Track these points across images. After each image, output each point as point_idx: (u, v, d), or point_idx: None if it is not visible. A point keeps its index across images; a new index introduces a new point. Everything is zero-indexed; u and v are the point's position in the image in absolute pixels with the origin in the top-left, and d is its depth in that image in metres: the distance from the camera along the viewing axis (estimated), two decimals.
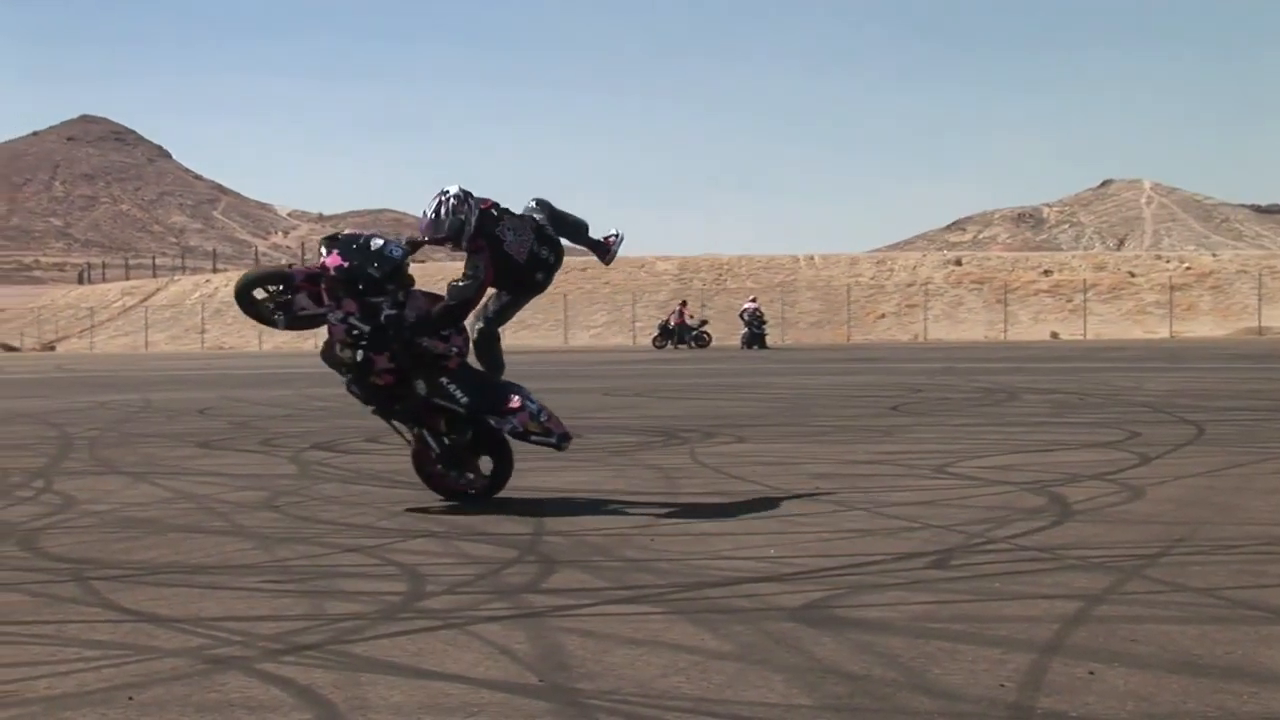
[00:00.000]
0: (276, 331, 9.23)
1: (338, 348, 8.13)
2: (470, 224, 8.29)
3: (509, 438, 8.34)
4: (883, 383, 22.99)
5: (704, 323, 55.77)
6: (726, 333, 57.52)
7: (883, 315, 70.02)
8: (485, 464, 8.46)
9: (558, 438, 8.28)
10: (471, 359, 8.50)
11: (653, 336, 56.19)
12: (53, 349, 78.79)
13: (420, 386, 8.20)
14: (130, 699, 4.10)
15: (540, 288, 8.77)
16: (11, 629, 5.12)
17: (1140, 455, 10.49)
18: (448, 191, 8.32)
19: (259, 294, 8.33)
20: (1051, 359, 33.60)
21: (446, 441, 8.40)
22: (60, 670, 4.46)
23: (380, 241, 8.16)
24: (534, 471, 10.17)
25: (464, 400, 8.20)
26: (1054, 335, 61.90)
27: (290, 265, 8.50)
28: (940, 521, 7.34)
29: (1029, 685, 4.10)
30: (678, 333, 54.24)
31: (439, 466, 8.49)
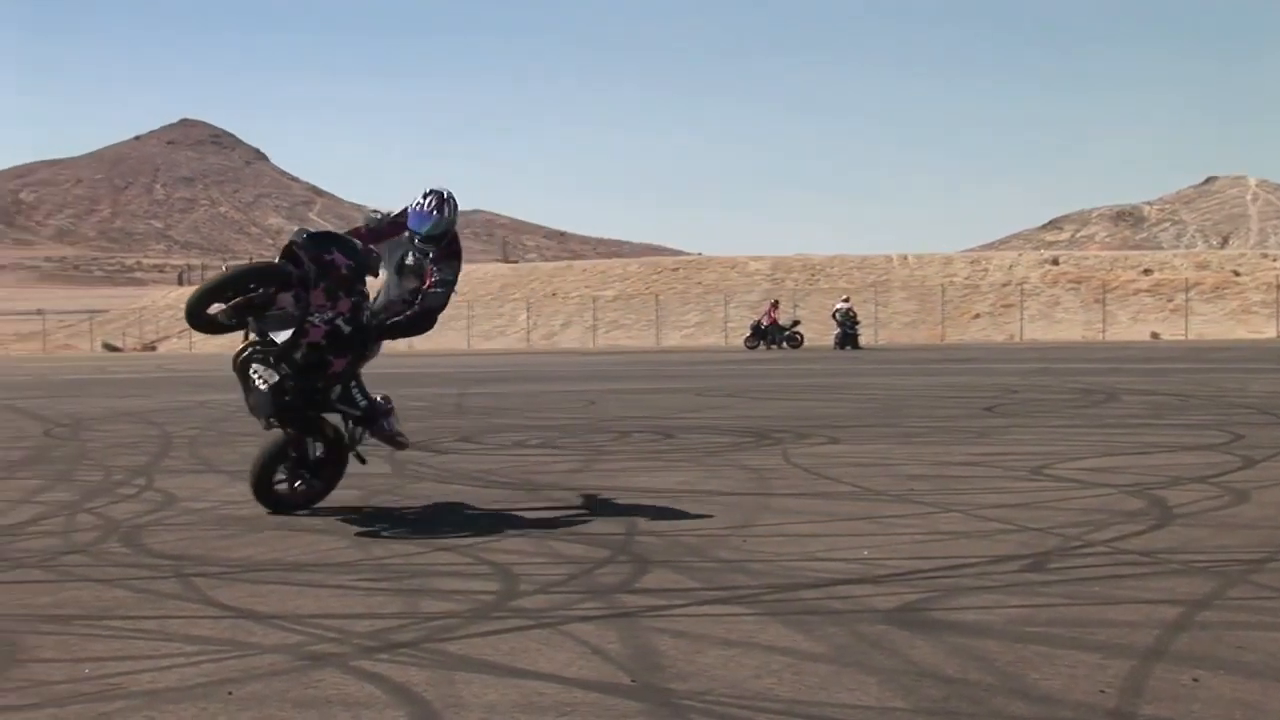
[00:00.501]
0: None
1: (301, 350, 7.79)
2: (454, 227, 8.46)
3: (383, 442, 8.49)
4: (977, 383, 22.74)
5: (796, 323, 55.49)
6: (820, 333, 57.21)
7: (977, 315, 69.25)
8: None
9: (405, 437, 8.59)
10: None
11: (745, 337, 56.01)
12: (153, 349, 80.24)
13: (336, 391, 8.11)
14: (229, 694, 4.16)
15: None
16: (115, 623, 5.22)
17: (1244, 458, 10.27)
18: (443, 192, 8.37)
19: (214, 308, 7.95)
20: (1151, 359, 33.02)
21: (319, 451, 8.28)
22: (162, 665, 4.54)
23: (357, 241, 8.13)
24: (626, 471, 10.19)
25: (364, 405, 8.21)
26: (1154, 335, 60.84)
27: (279, 262, 7.98)
28: (1037, 524, 7.24)
29: (1130, 692, 4.03)
30: (770, 333, 54.00)
31: (286, 474, 8.27)
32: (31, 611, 5.48)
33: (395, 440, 8.45)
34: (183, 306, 8.11)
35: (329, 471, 8.35)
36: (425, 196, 8.37)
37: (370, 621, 5.19)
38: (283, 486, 8.29)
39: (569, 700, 4.04)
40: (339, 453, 8.32)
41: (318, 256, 7.78)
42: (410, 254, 8.45)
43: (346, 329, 7.85)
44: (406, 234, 8.45)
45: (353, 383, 8.16)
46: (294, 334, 7.81)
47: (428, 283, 8.37)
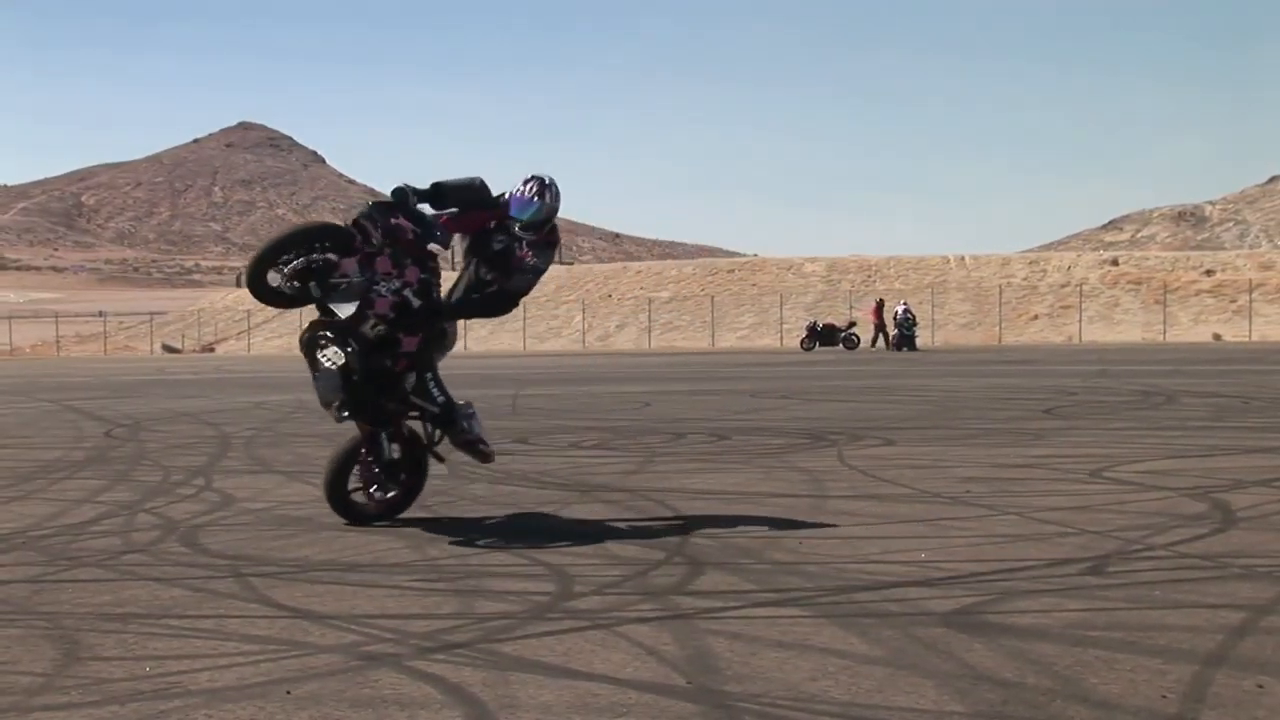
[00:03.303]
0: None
1: (370, 324, 7.38)
2: (554, 216, 8.00)
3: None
4: (1035, 385, 22.56)
5: (852, 324, 55.31)
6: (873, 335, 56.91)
7: (1035, 317, 68.73)
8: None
9: (488, 446, 7.95)
10: None
11: (800, 338, 55.85)
12: (212, 350, 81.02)
13: (410, 380, 7.64)
14: (288, 693, 4.19)
15: None
16: (175, 623, 5.26)
17: None
18: (544, 178, 7.92)
19: (272, 278, 7.47)
20: (1213, 361, 32.64)
21: (396, 451, 7.79)
22: (220, 664, 4.57)
23: (426, 210, 7.68)
24: (681, 473, 10.18)
25: (441, 400, 7.69)
26: (1216, 337, 60.12)
27: (343, 224, 7.48)
28: (1095, 527, 7.16)
29: (1192, 697, 3.98)
30: (826, 334, 53.72)
31: (361, 481, 7.79)
32: (92, 610, 5.54)
33: (477, 448, 7.86)
34: (244, 286, 7.73)
35: (409, 475, 7.86)
36: (526, 183, 7.91)
37: (426, 622, 5.20)
38: (359, 496, 7.82)
39: (624, 701, 4.04)
40: (417, 453, 7.87)
41: (384, 223, 7.42)
42: (496, 241, 7.95)
43: (416, 302, 7.45)
44: (493, 223, 7.95)
45: (429, 375, 7.69)
46: (360, 305, 7.41)
47: (518, 263, 7.86)
